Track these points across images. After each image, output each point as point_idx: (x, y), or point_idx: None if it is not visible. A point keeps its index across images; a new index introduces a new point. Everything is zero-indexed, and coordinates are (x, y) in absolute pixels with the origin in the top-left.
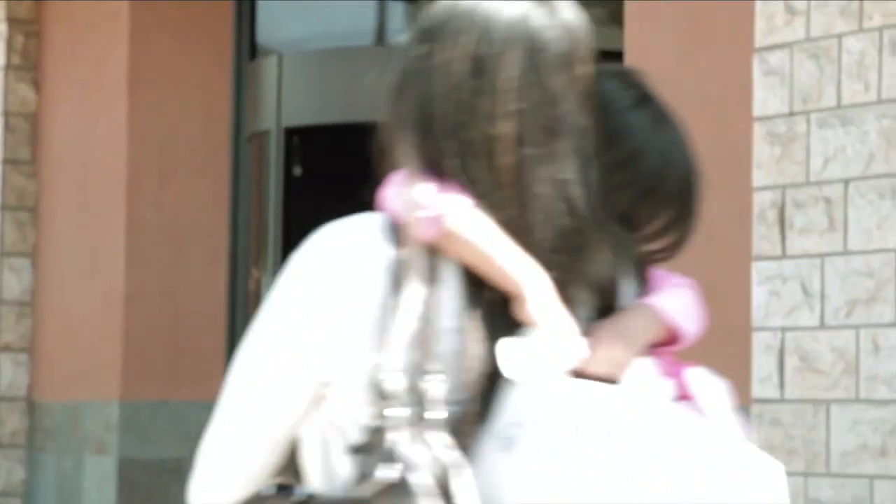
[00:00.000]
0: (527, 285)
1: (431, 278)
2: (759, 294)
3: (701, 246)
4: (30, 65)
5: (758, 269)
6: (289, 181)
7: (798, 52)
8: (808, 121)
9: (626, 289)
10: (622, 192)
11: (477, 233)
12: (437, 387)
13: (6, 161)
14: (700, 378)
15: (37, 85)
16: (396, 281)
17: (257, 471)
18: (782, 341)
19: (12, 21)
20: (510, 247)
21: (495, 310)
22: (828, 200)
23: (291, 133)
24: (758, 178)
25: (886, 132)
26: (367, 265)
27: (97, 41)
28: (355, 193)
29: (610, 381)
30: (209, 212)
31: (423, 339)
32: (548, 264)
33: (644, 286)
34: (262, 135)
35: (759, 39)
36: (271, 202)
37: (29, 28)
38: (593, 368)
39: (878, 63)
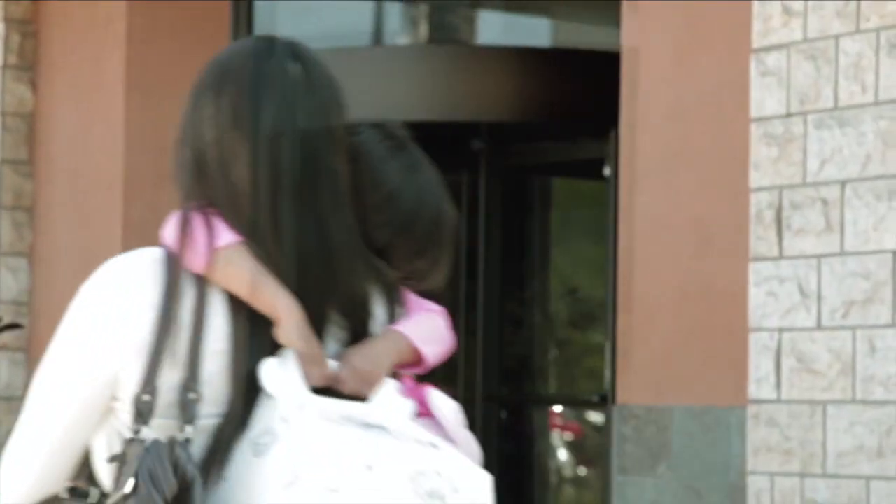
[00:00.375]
0: (282, 312)
1: (200, 305)
2: (756, 295)
3: (699, 247)
4: (27, 65)
5: (755, 270)
6: None
7: (795, 53)
8: (805, 122)
9: (380, 315)
10: (380, 230)
11: (241, 265)
12: (196, 403)
13: (3, 161)
14: (437, 398)
15: (34, 85)
16: (168, 308)
17: (52, 475)
18: (779, 342)
19: (9, 21)
20: (269, 277)
21: (258, 333)
22: (825, 201)
23: None
24: (755, 178)
25: (883, 133)
26: (143, 293)
27: (95, 42)
28: None
29: (359, 397)
30: None
31: (189, 360)
32: (303, 293)
33: (402, 311)
34: None
35: (757, 40)
36: None
37: (26, 28)
38: (344, 386)
39: (875, 64)
